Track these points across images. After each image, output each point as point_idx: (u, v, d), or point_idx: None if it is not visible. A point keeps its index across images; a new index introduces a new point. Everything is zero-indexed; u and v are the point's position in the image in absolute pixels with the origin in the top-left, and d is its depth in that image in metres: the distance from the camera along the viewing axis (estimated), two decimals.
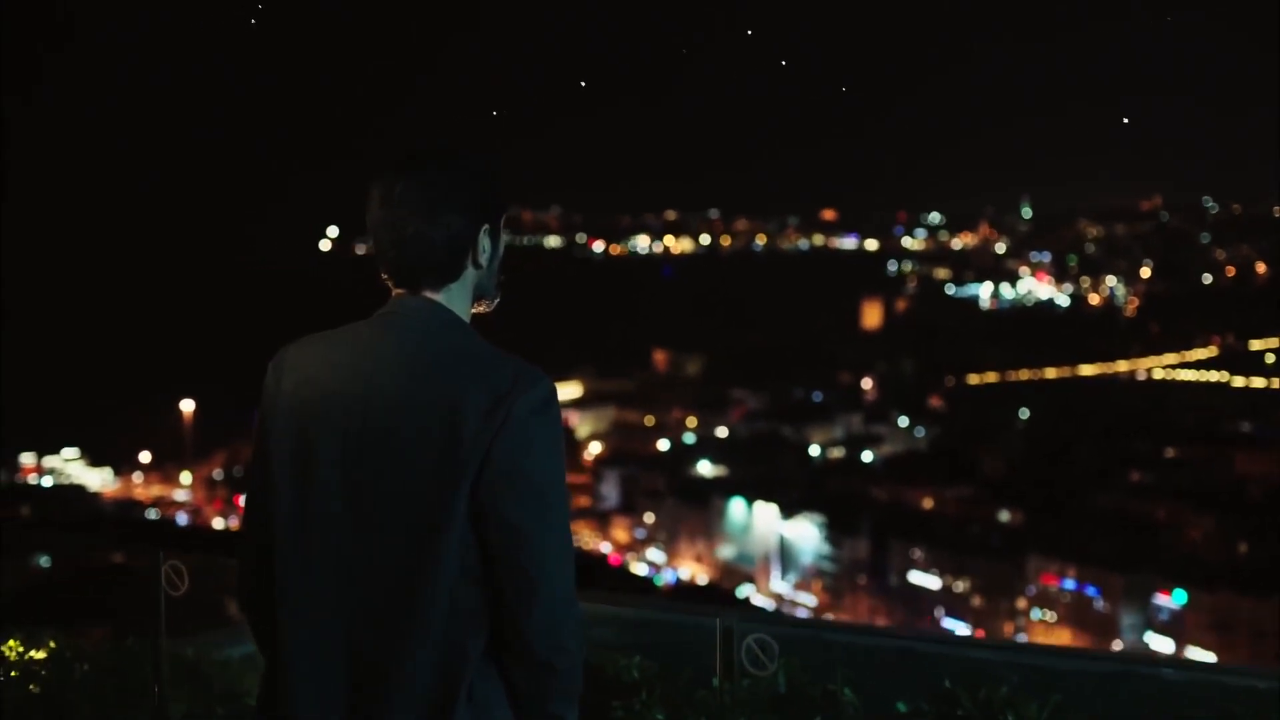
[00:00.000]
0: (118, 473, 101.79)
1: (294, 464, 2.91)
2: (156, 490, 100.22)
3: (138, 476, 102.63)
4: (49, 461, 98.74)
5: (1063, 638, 74.58)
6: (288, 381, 2.97)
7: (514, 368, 2.84)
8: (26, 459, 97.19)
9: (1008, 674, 3.76)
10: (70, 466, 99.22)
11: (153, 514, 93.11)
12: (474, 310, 3.09)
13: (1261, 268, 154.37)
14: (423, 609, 2.78)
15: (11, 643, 5.56)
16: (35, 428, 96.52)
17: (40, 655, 5.55)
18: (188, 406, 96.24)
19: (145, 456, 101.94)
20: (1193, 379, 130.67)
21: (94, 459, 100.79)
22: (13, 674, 5.49)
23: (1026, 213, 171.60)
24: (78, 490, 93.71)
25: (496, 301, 3.16)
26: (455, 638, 2.80)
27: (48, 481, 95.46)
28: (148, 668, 5.43)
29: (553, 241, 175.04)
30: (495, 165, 3.08)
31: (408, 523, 2.79)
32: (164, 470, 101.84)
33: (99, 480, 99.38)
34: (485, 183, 3.01)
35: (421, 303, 2.96)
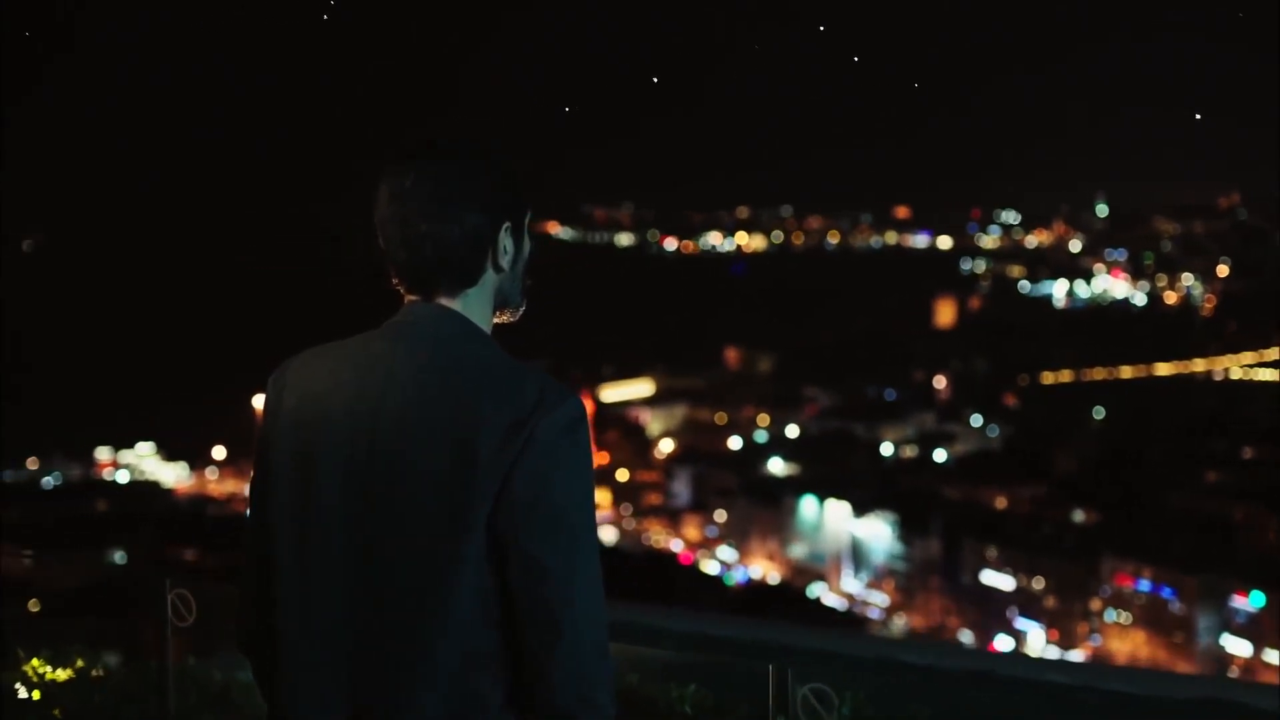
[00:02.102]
0: (193, 468, 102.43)
1: (294, 491, 2.66)
2: (230, 486, 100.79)
3: (212, 472, 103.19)
4: (124, 457, 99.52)
5: (1137, 640, 74.01)
6: (289, 399, 2.72)
7: (538, 384, 2.57)
8: (102, 454, 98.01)
9: (1086, 697, 3.60)
10: (145, 462, 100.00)
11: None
12: (496, 320, 2.80)
13: None
14: (433, 653, 2.51)
15: (35, 662, 5.44)
16: (111, 422, 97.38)
17: (63, 676, 5.42)
18: (260, 402, 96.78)
19: (220, 452, 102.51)
20: (1270, 378, 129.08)
21: (169, 454, 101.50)
22: (35, 694, 5.38)
23: (1102, 210, 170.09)
24: (152, 486, 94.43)
25: (522, 310, 2.85)
26: (471, 685, 2.52)
27: (123, 477, 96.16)
28: (170, 696, 5.24)
29: (625, 239, 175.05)
30: (512, 155, 2.79)
31: (418, 557, 2.52)
32: (238, 466, 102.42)
33: (174, 476, 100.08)
34: (505, 176, 2.73)
35: (435, 310, 2.68)
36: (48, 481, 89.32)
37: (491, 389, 2.54)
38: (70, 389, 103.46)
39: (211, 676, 5.36)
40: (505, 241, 2.72)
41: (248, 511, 2.85)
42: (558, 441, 2.51)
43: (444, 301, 2.70)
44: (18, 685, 5.30)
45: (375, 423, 2.59)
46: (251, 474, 2.81)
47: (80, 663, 5.45)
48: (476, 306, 2.72)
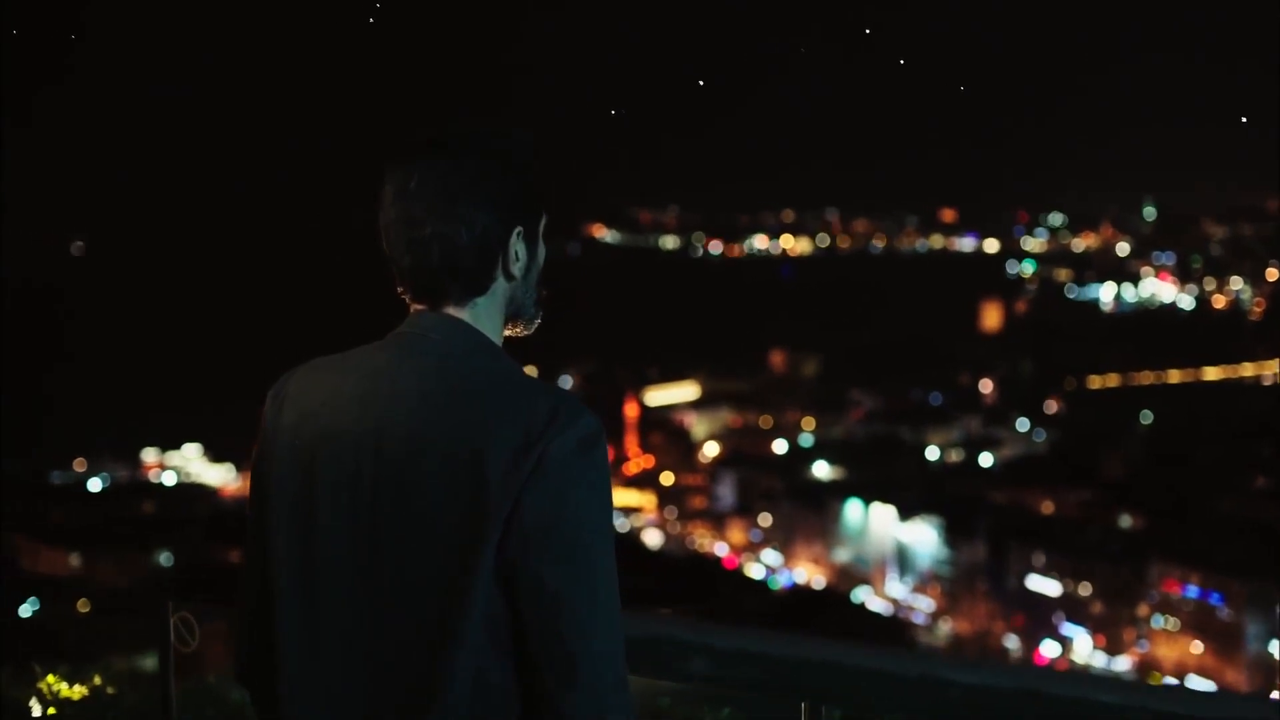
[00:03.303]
0: (239, 469, 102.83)
1: (293, 514, 2.49)
2: None
3: None
4: (171, 458, 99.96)
5: (1185, 646, 73.57)
6: (288, 415, 2.54)
7: (551, 400, 2.39)
8: (149, 456, 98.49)
9: (1138, 717, 3.48)
10: (192, 464, 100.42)
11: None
12: (508, 332, 2.63)
13: None
14: (442, 686, 2.33)
15: (50, 679, 5.34)
16: (158, 424, 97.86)
17: (78, 694, 5.31)
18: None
19: None
20: None
21: (215, 455, 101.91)
22: (50, 711, 5.29)
23: (1150, 213, 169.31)
24: (199, 488, 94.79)
25: (536, 324, 2.67)
26: (482, 718, 2.36)
27: (170, 478, 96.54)
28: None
29: (670, 242, 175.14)
30: (529, 154, 2.60)
31: (425, 585, 2.35)
32: None
33: (220, 477, 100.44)
34: (520, 176, 2.55)
35: (442, 321, 2.51)
36: (95, 483, 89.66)
37: (502, 405, 2.38)
38: (117, 391, 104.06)
39: (229, 696, 5.24)
40: (517, 247, 2.56)
41: (246, 537, 2.67)
42: (572, 461, 2.35)
43: (451, 311, 2.54)
44: (33, 702, 5.22)
45: (380, 441, 2.42)
46: (248, 494, 2.64)
47: (98, 679, 5.36)
48: (486, 317, 2.56)
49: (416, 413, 2.41)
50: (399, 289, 2.59)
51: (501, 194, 2.52)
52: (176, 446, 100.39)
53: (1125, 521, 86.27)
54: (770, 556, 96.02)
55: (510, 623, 2.35)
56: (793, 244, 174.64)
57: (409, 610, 2.38)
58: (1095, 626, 78.21)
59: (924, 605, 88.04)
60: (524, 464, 2.31)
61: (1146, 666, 75.46)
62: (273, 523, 2.53)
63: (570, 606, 2.32)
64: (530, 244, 2.60)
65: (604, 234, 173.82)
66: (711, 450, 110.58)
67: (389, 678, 2.41)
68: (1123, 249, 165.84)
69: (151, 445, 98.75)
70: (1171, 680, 72.23)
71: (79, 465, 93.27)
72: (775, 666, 3.76)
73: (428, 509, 2.36)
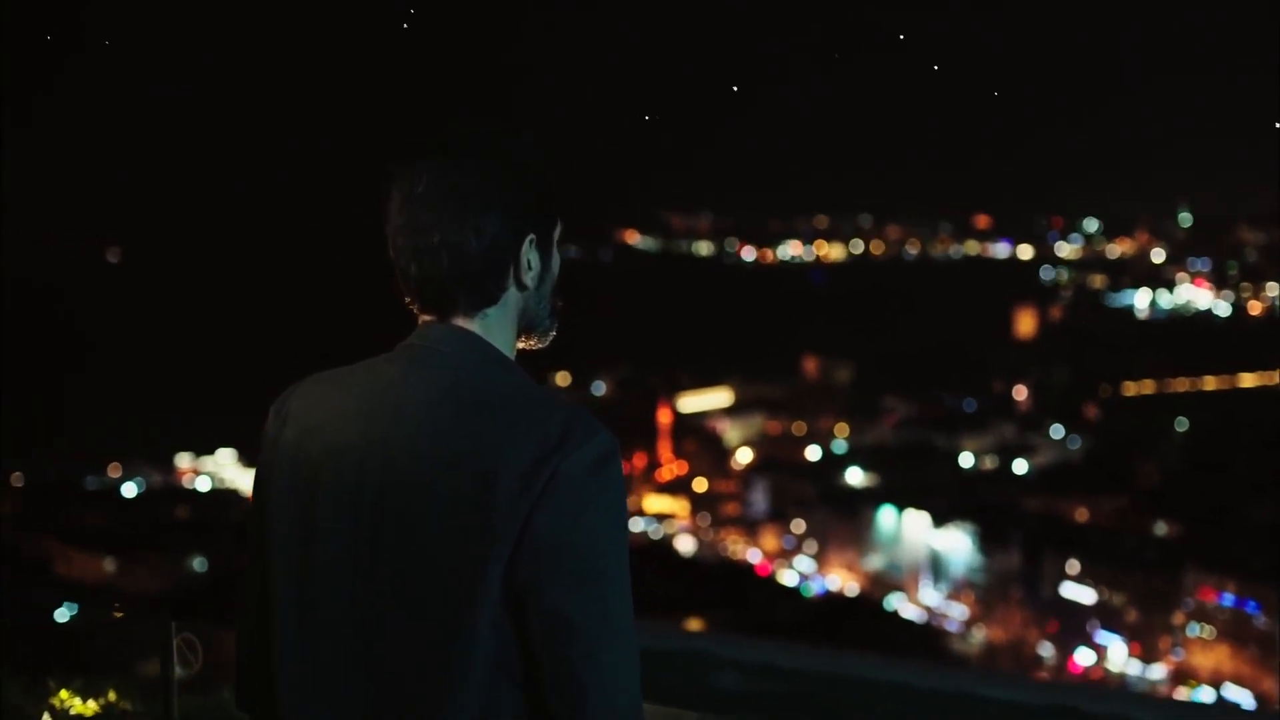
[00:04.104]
0: None
1: (294, 535, 2.39)
2: None
3: None
4: (205, 464, 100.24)
5: (1221, 654, 73.20)
6: (290, 431, 2.45)
7: (564, 416, 2.26)
8: (183, 461, 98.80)
9: None
10: (226, 469, 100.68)
11: None
12: (521, 345, 2.52)
13: None
14: (448, 716, 2.21)
15: (63, 694, 5.28)
16: (193, 429, 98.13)
17: (90, 711, 5.25)
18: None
19: None
20: None
21: (249, 461, 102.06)
22: None
23: (1185, 219, 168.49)
24: (232, 493, 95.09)
25: (551, 336, 2.55)
26: None
27: (204, 484, 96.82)
28: None
29: (703, 248, 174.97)
30: (542, 157, 2.48)
31: (429, 612, 2.23)
32: None
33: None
34: (533, 180, 2.43)
35: (452, 333, 2.40)
36: (129, 488, 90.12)
37: (512, 422, 2.27)
38: (152, 396, 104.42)
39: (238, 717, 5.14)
40: (529, 255, 2.44)
41: (245, 559, 2.57)
42: (585, 481, 2.23)
43: (461, 323, 2.42)
44: (45, 717, 5.18)
45: (385, 459, 2.31)
46: (248, 513, 2.55)
47: (112, 695, 5.30)
48: (498, 328, 2.45)
49: (423, 429, 2.30)
50: (406, 299, 2.49)
51: (513, 199, 2.41)
52: (210, 451, 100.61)
53: (1160, 529, 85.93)
54: (803, 563, 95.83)
55: (520, 650, 2.25)
56: (826, 250, 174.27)
57: (413, 638, 2.27)
58: (1130, 634, 77.85)
59: (958, 613, 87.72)
60: (535, 483, 2.20)
61: (1182, 675, 75.11)
62: (272, 543, 2.44)
63: (582, 633, 2.21)
64: (544, 252, 2.49)
65: (637, 240, 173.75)
66: (744, 457, 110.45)
67: (391, 709, 2.30)
68: (1158, 255, 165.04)
69: (185, 450, 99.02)
70: (1207, 689, 72.02)
71: (113, 470, 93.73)
72: (806, 682, 3.70)
73: (433, 531, 2.26)
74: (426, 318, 2.46)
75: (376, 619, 2.30)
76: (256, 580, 2.48)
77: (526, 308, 2.49)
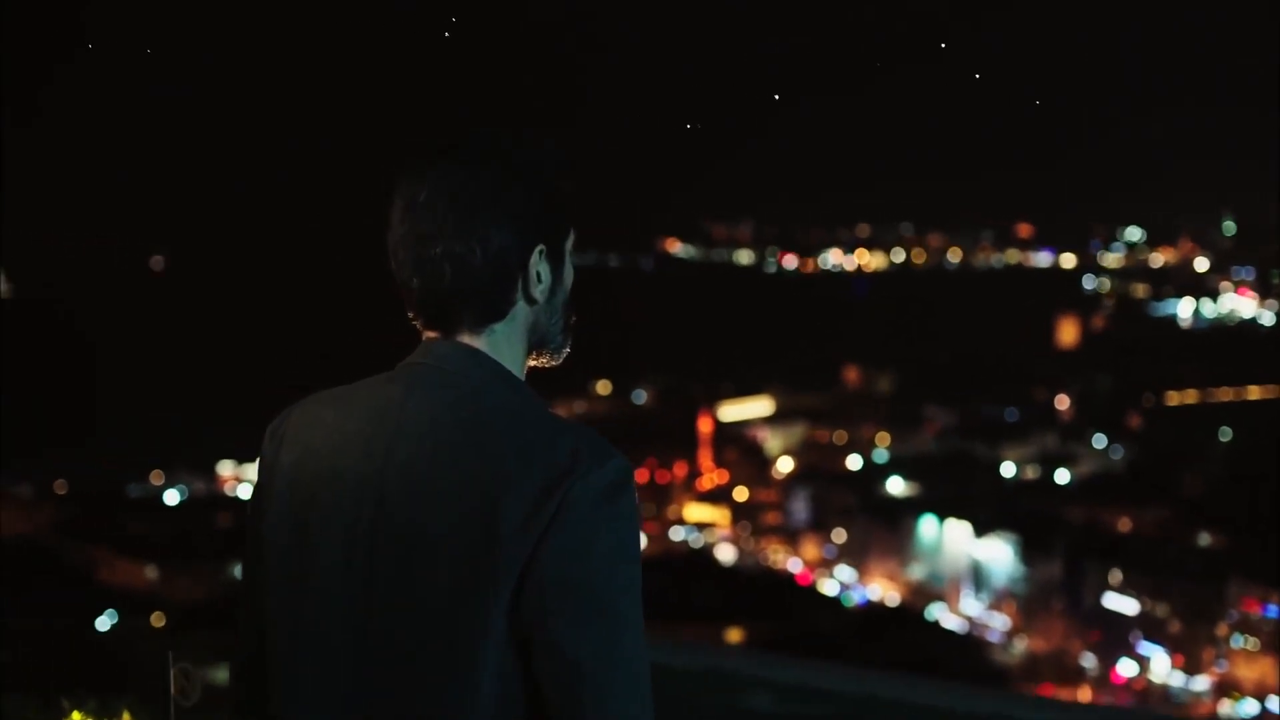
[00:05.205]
0: None
1: (289, 564, 2.26)
2: None
3: None
4: (247, 471, 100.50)
5: (1265, 666, 72.73)
6: (287, 454, 2.34)
7: (574, 440, 2.13)
8: (225, 469, 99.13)
9: None
10: None
11: None
12: (532, 362, 2.38)
13: None
14: None
15: (76, 716, 5.26)
16: (235, 437, 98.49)
17: None
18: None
19: None
20: None
21: None
22: None
23: (1229, 227, 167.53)
24: None
25: (564, 353, 2.41)
26: None
27: (246, 492, 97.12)
28: None
29: (744, 257, 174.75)
30: (554, 163, 2.34)
31: (429, 646, 2.09)
32: None
33: None
34: (543, 187, 2.29)
35: (457, 350, 2.27)
36: (172, 495, 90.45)
37: (519, 446, 2.12)
38: (194, 404, 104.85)
39: None
40: (539, 268, 2.30)
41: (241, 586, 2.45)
42: (596, 509, 2.09)
43: (466, 339, 2.29)
44: None
45: (384, 485, 2.18)
46: (245, 543, 2.43)
47: (127, 717, 5.28)
48: (506, 345, 2.30)
49: (424, 453, 2.17)
50: (409, 314, 2.36)
51: (522, 208, 2.27)
52: (253, 460, 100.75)
53: (1204, 539, 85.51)
54: (844, 573, 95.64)
55: (526, 691, 2.11)
56: (867, 259, 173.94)
57: (411, 681, 2.13)
58: (1173, 646, 77.42)
59: (999, 623, 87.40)
60: (542, 512, 2.07)
61: (1225, 687, 74.69)
62: (267, 575, 2.32)
63: (592, 674, 2.06)
64: (555, 264, 2.35)
65: (678, 249, 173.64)
66: (785, 466, 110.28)
67: None
68: (1201, 264, 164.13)
69: (228, 458, 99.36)
70: (1251, 701, 71.62)
71: (156, 478, 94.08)
72: (839, 703, 3.68)
73: (433, 562, 2.12)
74: (430, 334, 2.34)
75: (371, 659, 2.17)
76: (252, 615, 2.36)
77: (537, 323, 2.36)
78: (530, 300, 2.32)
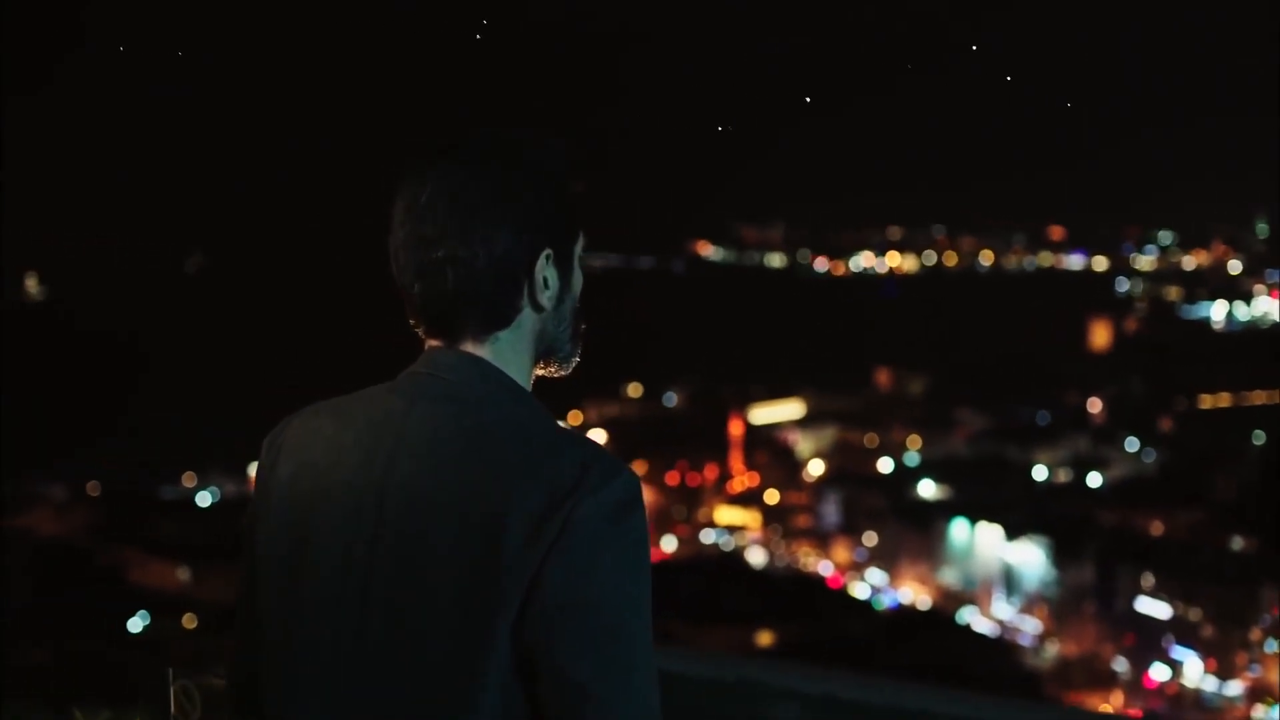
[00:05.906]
0: None
1: (284, 582, 2.17)
2: None
3: None
4: None
5: None
6: (284, 467, 2.24)
7: (581, 455, 2.03)
8: (254, 472, 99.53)
9: None
10: None
11: None
12: (539, 372, 2.27)
13: None
14: None
15: None
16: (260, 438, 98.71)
17: None
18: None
19: None
20: None
21: None
22: None
23: (1263, 230, 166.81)
24: None
25: (574, 363, 2.32)
26: None
27: None
28: None
29: (776, 260, 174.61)
30: (564, 165, 2.24)
31: (429, 670, 2.00)
32: None
33: None
34: (549, 187, 2.19)
35: (460, 360, 2.17)
36: (204, 497, 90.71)
37: (524, 461, 2.03)
38: (226, 405, 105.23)
39: None
40: (546, 273, 2.20)
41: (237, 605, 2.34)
42: (603, 528, 1.99)
43: (470, 347, 2.19)
44: None
45: (383, 501, 2.09)
46: (240, 560, 2.32)
47: None
48: (511, 354, 2.21)
49: (424, 468, 2.08)
50: (410, 321, 2.27)
51: (528, 211, 2.17)
52: None
53: (1237, 543, 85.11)
54: (875, 576, 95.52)
55: (528, 711, 2.02)
56: (899, 261, 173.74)
57: (409, 703, 2.04)
58: (1206, 650, 77.09)
59: (1031, 627, 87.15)
60: (546, 531, 1.98)
61: (1259, 692, 74.36)
62: (262, 593, 2.22)
63: (599, 703, 1.96)
64: (563, 269, 2.25)
65: (709, 251, 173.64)
66: (816, 469, 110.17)
67: None
68: (1235, 266, 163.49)
69: (258, 461, 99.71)
70: None
71: (188, 479, 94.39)
72: (868, 715, 3.63)
73: (432, 583, 2.03)
74: (433, 342, 2.25)
75: (367, 685, 2.08)
76: (249, 635, 2.26)
77: (544, 330, 2.26)
78: (537, 307, 2.23)
